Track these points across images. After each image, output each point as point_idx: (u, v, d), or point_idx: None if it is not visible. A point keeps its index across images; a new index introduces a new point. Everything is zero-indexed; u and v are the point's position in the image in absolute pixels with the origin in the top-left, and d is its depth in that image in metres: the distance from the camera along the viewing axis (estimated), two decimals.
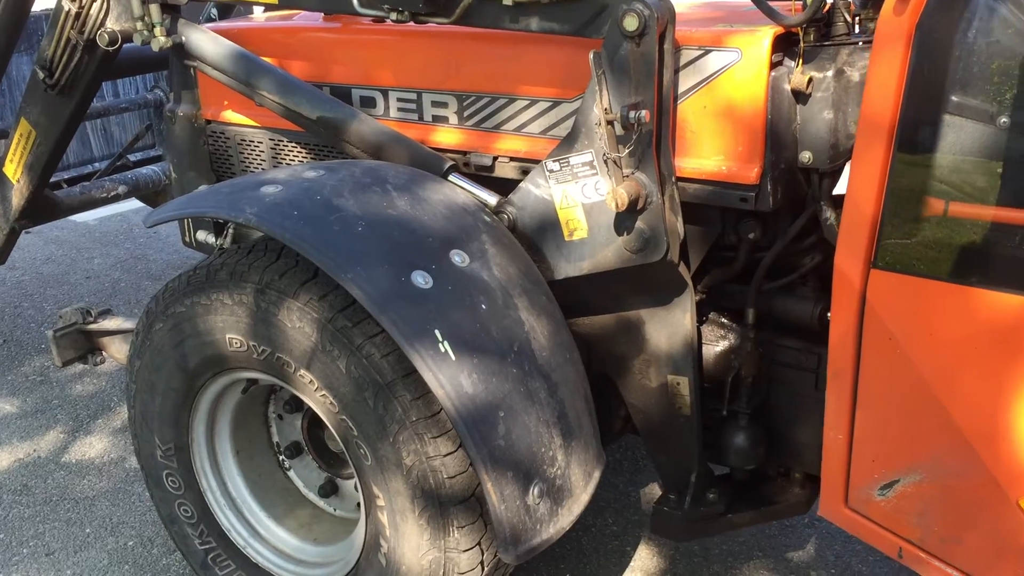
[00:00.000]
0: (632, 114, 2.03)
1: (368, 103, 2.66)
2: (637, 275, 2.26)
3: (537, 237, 2.31)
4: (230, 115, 2.93)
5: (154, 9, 2.66)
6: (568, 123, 2.34)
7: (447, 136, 2.55)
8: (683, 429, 2.43)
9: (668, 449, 2.49)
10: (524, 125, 2.42)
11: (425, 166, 2.43)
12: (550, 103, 2.36)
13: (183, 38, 2.72)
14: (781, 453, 2.49)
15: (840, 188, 2.31)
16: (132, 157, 4.21)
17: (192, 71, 2.93)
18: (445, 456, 2.05)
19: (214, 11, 3.43)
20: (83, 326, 3.32)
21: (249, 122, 2.89)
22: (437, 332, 1.97)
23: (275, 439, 2.66)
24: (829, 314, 2.32)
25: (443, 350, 1.97)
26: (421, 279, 2.03)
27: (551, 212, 2.28)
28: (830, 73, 2.09)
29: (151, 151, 4.34)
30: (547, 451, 2.09)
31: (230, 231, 3.01)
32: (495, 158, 2.46)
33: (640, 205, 2.11)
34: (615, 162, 2.09)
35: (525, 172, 2.42)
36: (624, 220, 2.17)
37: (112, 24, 2.82)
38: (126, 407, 2.60)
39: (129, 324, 3.32)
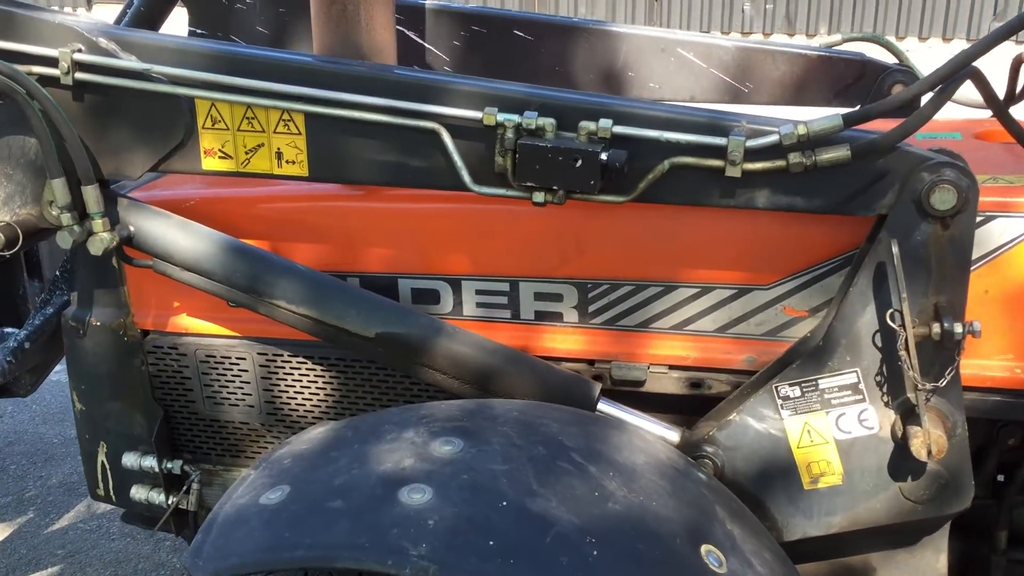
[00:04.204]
0: (959, 328, 1.42)
1: (427, 298, 1.86)
2: None
3: (758, 486, 1.64)
4: (186, 322, 2.00)
5: (90, 194, 1.71)
6: (763, 317, 1.71)
7: (562, 340, 1.81)
8: None
9: None
10: (690, 321, 1.75)
11: (567, 395, 1.68)
12: (733, 291, 1.70)
13: (131, 229, 1.80)
14: None
15: None
16: None
17: (115, 264, 1.99)
18: None
19: None
20: None
21: (220, 331, 1.98)
22: None
23: None
24: None
25: None
26: None
27: (783, 453, 1.62)
28: None
29: None
30: None
31: (194, 486, 2.08)
32: (648, 367, 1.76)
33: None
34: (925, 392, 1.46)
35: (694, 385, 1.76)
36: (906, 460, 1.55)
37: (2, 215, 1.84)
38: None
39: None
